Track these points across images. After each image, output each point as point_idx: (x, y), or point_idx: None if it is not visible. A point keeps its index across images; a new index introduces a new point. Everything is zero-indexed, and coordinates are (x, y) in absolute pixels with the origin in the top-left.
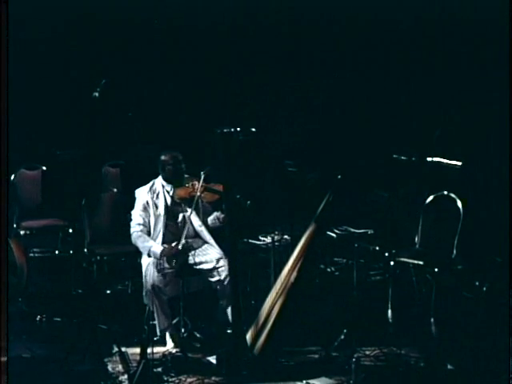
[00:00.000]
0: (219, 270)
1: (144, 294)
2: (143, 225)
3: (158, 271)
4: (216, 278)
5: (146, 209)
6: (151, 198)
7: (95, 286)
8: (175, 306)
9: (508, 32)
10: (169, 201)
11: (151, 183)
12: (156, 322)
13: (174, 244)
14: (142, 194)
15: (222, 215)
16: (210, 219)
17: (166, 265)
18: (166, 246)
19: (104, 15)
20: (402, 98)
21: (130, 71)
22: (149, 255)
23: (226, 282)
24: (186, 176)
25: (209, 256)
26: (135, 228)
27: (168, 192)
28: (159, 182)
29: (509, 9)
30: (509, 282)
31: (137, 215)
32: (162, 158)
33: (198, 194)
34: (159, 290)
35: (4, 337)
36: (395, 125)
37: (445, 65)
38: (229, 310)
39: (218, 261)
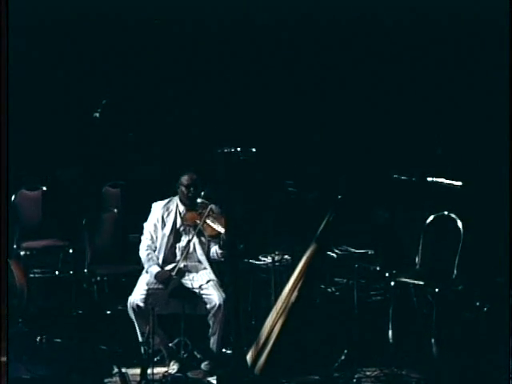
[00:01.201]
0: (206, 297)
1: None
2: (151, 240)
3: (148, 290)
4: (205, 306)
5: (155, 224)
6: (163, 215)
7: (95, 307)
8: (175, 326)
9: (508, 34)
10: (178, 222)
11: (168, 200)
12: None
13: (170, 268)
14: (156, 209)
15: (220, 251)
16: (211, 251)
17: (158, 285)
18: (161, 270)
19: (104, 34)
20: (402, 116)
21: (130, 91)
22: (147, 272)
23: (213, 311)
24: (200, 201)
25: (201, 282)
26: (143, 242)
27: (180, 213)
28: (175, 200)
29: (509, 9)
30: (509, 282)
31: (146, 229)
32: (180, 178)
33: (200, 224)
34: (139, 308)
35: (4, 337)
36: (395, 144)
37: (445, 83)
38: (215, 338)
39: (205, 288)
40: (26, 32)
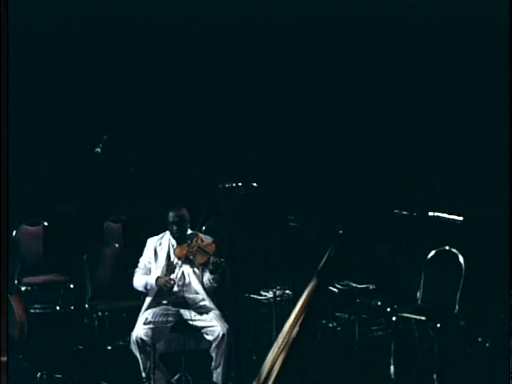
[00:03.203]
0: (209, 329)
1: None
2: (144, 269)
3: (151, 323)
4: (208, 337)
5: (150, 258)
6: (156, 249)
7: (96, 342)
8: (176, 360)
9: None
10: (172, 255)
11: (162, 234)
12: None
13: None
14: (150, 243)
15: (212, 276)
16: (204, 280)
17: (160, 319)
18: (160, 276)
19: (103, 66)
20: (402, 152)
21: (131, 126)
22: (146, 289)
23: (217, 342)
24: (189, 232)
25: (202, 314)
26: (137, 272)
27: (173, 246)
28: (168, 234)
29: (509, 9)
30: (509, 281)
31: (141, 262)
32: (169, 214)
33: (188, 254)
34: (142, 342)
35: (4, 337)
36: (396, 179)
37: (443, 113)
38: (219, 371)
39: (207, 319)
40: (26, 67)
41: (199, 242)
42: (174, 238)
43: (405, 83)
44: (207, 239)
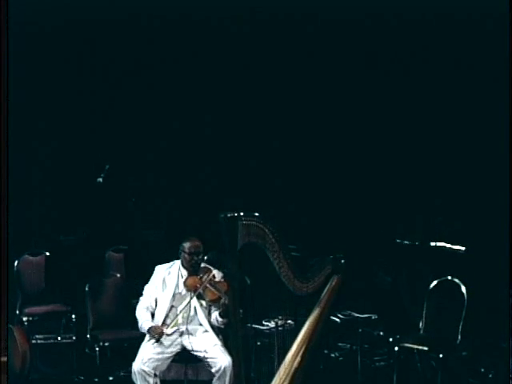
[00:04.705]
0: (212, 361)
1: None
2: (149, 300)
3: (152, 355)
4: (210, 369)
5: (157, 286)
6: (164, 278)
7: (98, 373)
8: None
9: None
10: (180, 285)
11: (171, 263)
12: None
13: (163, 325)
14: (159, 271)
15: (221, 319)
16: (212, 317)
17: (161, 350)
18: (153, 325)
19: (102, 88)
20: (404, 181)
21: (132, 156)
22: (140, 327)
23: (219, 375)
24: (203, 265)
25: (205, 346)
26: (141, 302)
27: (182, 276)
28: (178, 264)
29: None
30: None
31: (147, 290)
32: (183, 244)
33: (200, 288)
34: (144, 373)
35: (4, 337)
36: (398, 209)
37: (445, 140)
38: None
39: (210, 351)
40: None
41: (211, 277)
42: (186, 268)
43: (405, 95)
44: (219, 276)
